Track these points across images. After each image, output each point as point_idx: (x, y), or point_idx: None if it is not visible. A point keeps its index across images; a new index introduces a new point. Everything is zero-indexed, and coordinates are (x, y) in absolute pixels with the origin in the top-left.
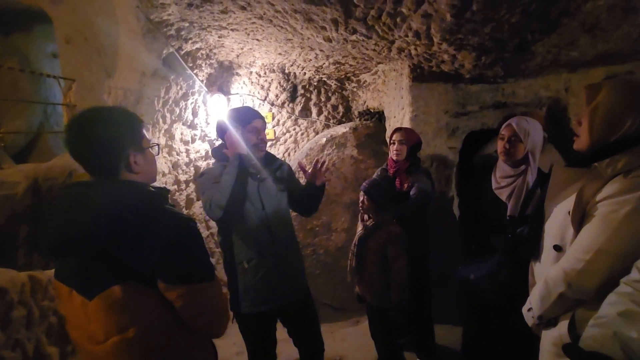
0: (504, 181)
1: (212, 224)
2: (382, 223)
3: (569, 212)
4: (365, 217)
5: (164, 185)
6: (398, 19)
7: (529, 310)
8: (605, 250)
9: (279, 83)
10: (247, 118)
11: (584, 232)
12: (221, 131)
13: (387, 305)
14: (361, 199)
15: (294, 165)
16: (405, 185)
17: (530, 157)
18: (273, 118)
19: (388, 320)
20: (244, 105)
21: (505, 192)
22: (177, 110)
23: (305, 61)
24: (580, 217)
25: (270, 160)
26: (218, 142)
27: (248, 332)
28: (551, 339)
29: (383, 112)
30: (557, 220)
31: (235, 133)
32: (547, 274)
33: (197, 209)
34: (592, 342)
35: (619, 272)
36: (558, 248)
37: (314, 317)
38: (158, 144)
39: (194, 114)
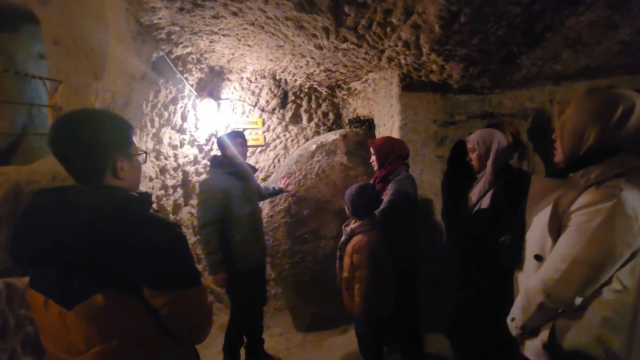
0: (475, 185)
1: None
2: (361, 230)
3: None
4: (352, 222)
5: (151, 190)
6: (388, 29)
7: (513, 320)
8: (581, 260)
9: (270, 89)
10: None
11: (561, 242)
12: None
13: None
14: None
15: (283, 172)
16: (384, 194)
17: (487, 163)
18: (263, 124)
19: (361, 327)
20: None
21: (471, 196)
22: (166, 114)
23: (296, 68)
24: (557, 227)
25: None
26: (207, 148)
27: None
28: (533, 348)
29: (373, 120)
30: (537, 230)
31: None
32: (527, 284)
33: (185, 215)
34: (576, 344)
35: (595, 281)
36: (539, 258)
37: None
38: (146, 152)
39: (183, 118)
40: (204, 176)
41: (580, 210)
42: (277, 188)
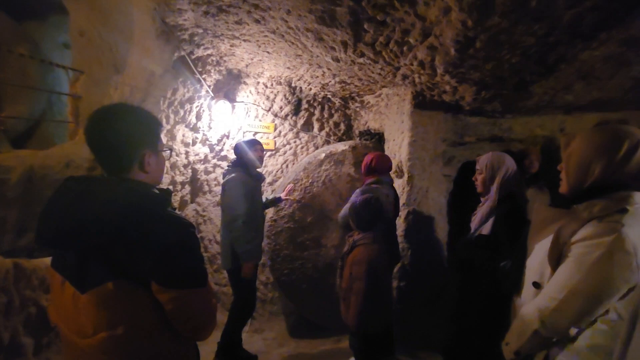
0: (478, 210)
1: (203, 227)
2: (362, 242)
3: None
4: (356, 234)
5: (161, 185)
6: (405, 48)
7: (507, 344)
8: (578, 291)
9: (285, 95)
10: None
11: (559, 272)
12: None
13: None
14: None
15: (290, 178)
16: None
17: (491, 188)
18: (275, 129)
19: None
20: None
21: (474, 219)
22: (182, 112)
23: (312, 77)
24: (556, 257)
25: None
26: (219, 148)
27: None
28: None
29: (383, 133)
30: (537, 258)
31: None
32: (523, 310)
33: (190, 211)
34: None
35: (590, 313)
36: (537, 285)
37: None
38: (171, 149)
39: (198, 117)
40: (230, 176)
41: (580, 242)
42: (270, 197)
